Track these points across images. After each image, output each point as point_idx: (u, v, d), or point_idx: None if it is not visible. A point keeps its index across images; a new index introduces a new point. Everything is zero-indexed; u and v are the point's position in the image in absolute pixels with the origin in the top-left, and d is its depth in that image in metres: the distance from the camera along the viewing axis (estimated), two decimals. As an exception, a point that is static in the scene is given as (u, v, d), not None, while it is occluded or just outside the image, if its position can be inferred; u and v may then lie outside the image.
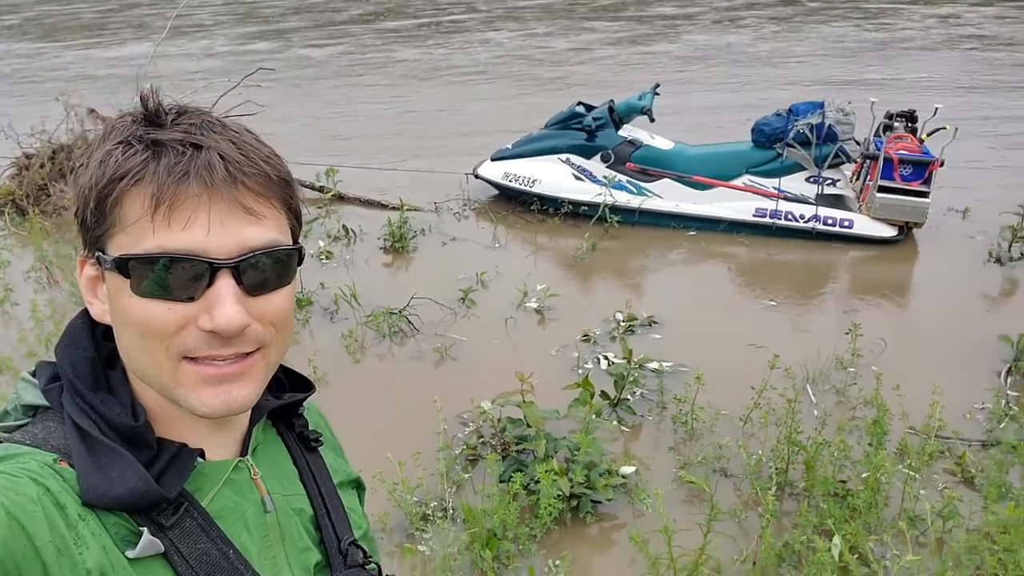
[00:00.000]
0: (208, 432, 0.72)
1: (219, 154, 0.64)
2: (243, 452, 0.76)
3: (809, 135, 5.38)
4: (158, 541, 0.64)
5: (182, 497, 0.67)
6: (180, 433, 0.71)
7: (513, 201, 5.99)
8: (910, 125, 5.80)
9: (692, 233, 5.47)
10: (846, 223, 5.32)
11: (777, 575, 2.61)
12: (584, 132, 5.76)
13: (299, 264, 0.71)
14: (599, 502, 2.89)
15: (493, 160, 6.06)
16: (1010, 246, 5.05)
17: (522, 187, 5.83)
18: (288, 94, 9.76)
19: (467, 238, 5.51)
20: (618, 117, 5.77)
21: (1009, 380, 3.71)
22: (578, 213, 5.65)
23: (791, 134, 5.41)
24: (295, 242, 0.72)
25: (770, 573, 2.61)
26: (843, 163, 5.54)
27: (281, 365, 0.79)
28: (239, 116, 0.75)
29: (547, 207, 5.76)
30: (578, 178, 5.73)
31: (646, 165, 5.64)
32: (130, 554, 0.62)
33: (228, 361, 0.66)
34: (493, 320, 4.32)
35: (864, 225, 5.31)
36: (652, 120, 5.70)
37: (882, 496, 2.78)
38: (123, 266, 0.63)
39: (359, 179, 6.37)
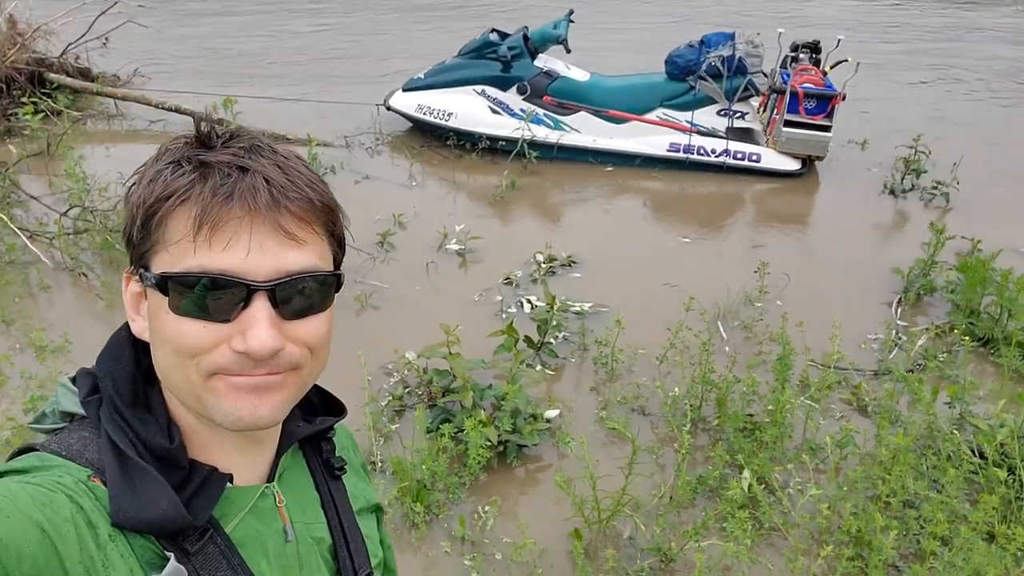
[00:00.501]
0: (238, 455, 0.73)
1: (264, 178, 0.65)
2: (270, 476, 0.77)
3: (720, 68, 5.43)
4: (183, 569, 0.65)
5: (208, 523, 0.68)
6: (211, 455, 0.71)
7: (428, 135, 5.82)
8: (814, 56, 5.95)
9: (609, 169, 5.50)
10: (754, 157, 5.48)
11: (692, 508, 2.79)
12: (499, 62, 5.60)
13: (337, 290, 0.71)
14: (525, 446, 2.98)
15: (405, 91, 5.83)
16: (903, 178, 5.35)
17: (437, 121, 5.65)
18: (175, 15, 8.98)
19: (382, 176, 5.34)
20: (533, 46, 5.64)
21: (899, 311, 4.00)
22: (496, 148, 5.56)
23: (703, 66, 5.45)
24: (336, 268, 0.72)
25: (686, 506, 2.78)
26: (752, 96, 5.64)
27: (315, 386, 0.80)
28: (286, 142, 0.72)
29: (464, 142, 5.63)
30: (495, 111, 5.61)
31: (563, 98, 5.57)
32: None
33: (261, 374, 0.66)
34: (414, 264, 4.25)
35: (771, 159, 5.48)
36: (568, 51, 5.60)
37: (786, 428, 2.98)
38: (163, 284, 0.64)
39: (259, 111, 5.99)
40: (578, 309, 3.73)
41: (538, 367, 3.43)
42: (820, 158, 5.56)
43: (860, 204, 5.24)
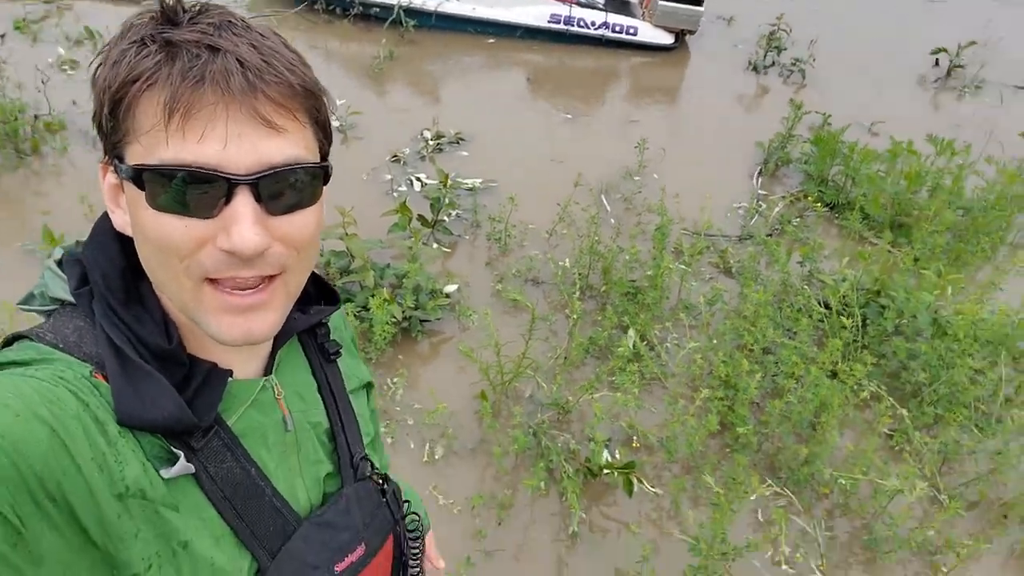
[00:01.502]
0: (236, 350, 0.71)
1: (237, 59, 0.59)
2: (268, 368, 0.76)
3: (599, -64, 5.35)
4: (191, 465, 0.65)
5: (212, 420, 0.68)
6: (209, 349, 0.70)
7: (293, -3, 5.37)
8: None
9: (491, 41, 5.37)
10: (631, 30, 5.54)
11: (584, 366, 3.04)
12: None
13: (325, 183, 0.67)
14: (428, 321, 3.08)
15: (264, -53, 5.29)
16: (765, 55, 5.64)
17: (303, -18, 5.23)
18: None
19: (246, 43, 4.91)
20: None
21: (759, 181, 4.36)
22: (369, 15, 5.25)
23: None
24: (323, 159, 0.68)
25: (578, 365, 3.03)
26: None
27: (312, 274, 0.77)
28: (265, 16, 0.67)
29: (333, 7, 5.26)
30: (366, -26, 5.25)
31: (440, -38, 5.29)
32: (164, 474, 0.63)
33: (250, 291, 0.64)
34: (293, 141, 4.05)
35: (647, 33, 5.57)
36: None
37: (664, 291, 3.26)
38: (138, 177, 0.59)
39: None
40: (469, 185, 3.76)
41: (434, 245, 3.48)
42: (692, 32, 5.72)
43: (726, 79, 5.50)
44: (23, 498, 0.53)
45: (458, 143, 4.23)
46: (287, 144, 0.61)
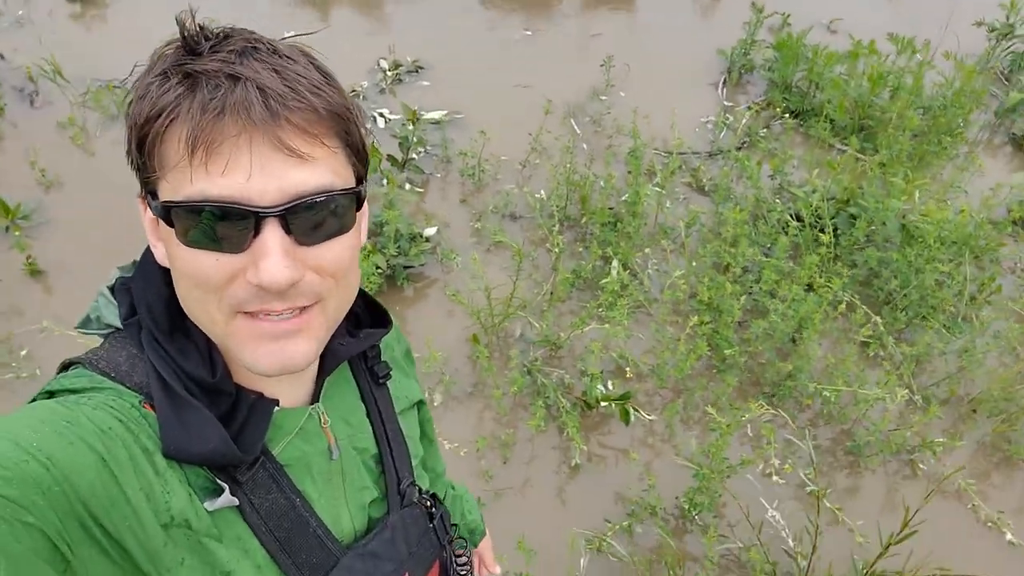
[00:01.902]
0: (281, 379, 0.71)
1: (258, 86, 0.57)
2: (315, 395, 0.76)
3: None
4: (235, 499, 0.66)
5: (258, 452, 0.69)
6: (255, 378, 0.70)
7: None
8: None
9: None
10: (583, -66, 5.28)
11: (570, 300, 3.09)
12: None
13: (359, 208, 0.66)
14: (411, 267, 3.06)
15: None
16: (720, -48, 5.46)
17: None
18: None
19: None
20: None
21: (724, 91, 4.33)
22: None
23: None
24: (359, 182, 0.66)
25: (564, 299, 3.07)
26: None
27: (361, 292, 0.76)
28: (301, 36, 0.65)
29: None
30: None
31: None
32: (208, 506, 0.64)
33: (283, 316, 0.62)
34: (244, 83, 3.85)
35: (599, -65, 5.32)
36: None
37: (643, 217, 3.28)
38: (166, 214, 0.60)
39: None
40: (436, 118, 3.65)
41: (406, 186, 3.41)
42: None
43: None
44: (72, 524, 0.54)
45: (417, 72, 4.07)
46: (315, 172, 0.60)
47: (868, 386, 2.63)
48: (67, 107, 3.58)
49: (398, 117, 3.60)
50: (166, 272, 0.67)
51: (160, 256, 0.67)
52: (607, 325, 2.77)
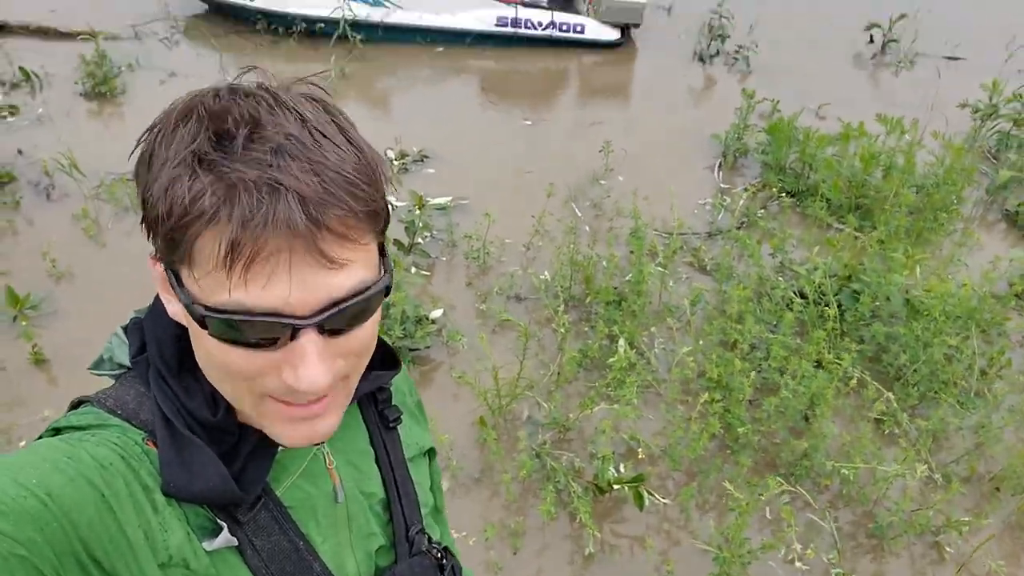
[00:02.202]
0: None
1: (299, 195, 0.55)
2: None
3: (539, -65, 5.34)
4: (234, 538, 0.65)
5: (258, 492, 0.68)
6: None
7: (231, 19, 5.22)
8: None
9: (440, 49, 5.33)
10: (579, 28, 5.56)
11: (577, 380, 3.06)
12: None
13: (387, 295, 0.65)
14: (417, 349, 3.05)
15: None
16: (709, 44, 5.73)
17: (239, 0, 5.08)
18: None
19: (188, 72, 4.77)
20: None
21: (720, 174, 4.44)
22: (314, 32, 5.14)
23: (522, -66, 5.32)
24: (381, 251, 0.64)
25: (571, 380, 3.04)
26: (570, -35, 5.65)
27: None
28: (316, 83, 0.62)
29: (275, 26, 5.14)
30: (306, -11, 5.14)
31: (381, -27, 5.21)
32: (207, 546, 0.63)
33: (312, 403, 0.64)
34: (253, 173, 3.95)
35: (594, 29, 5.60)
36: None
37: (647, 296, 3.30)
38: (198, 317, 0.58)
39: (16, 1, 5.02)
40: (441, 204, 3.73)
41: (412, 269, 3.45)
42: (636, 25, 5.77)
43: (675, 71, 5.57)
44: (69, 561, 0.54)
45: (423, 161, 4.19)
46: (351, 275, 0.59)
47: (886, 463, 2.57)
48: (81, 200, 3.66)
49: (404, 204, 3.68)
50: None
51: (174, 312, 0.65)
52: (616, 405, 2.73)
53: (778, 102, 4.72)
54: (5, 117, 4.17)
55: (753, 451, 2.75)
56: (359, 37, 5.05)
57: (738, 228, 3.90)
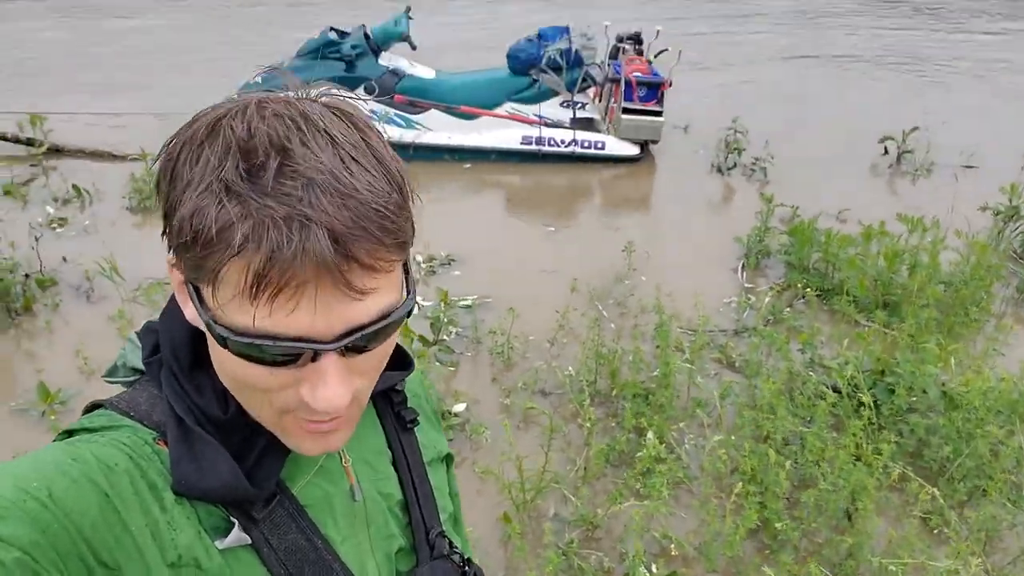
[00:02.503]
0: None
1: (329, 232, 0.54)
2: None
3: (560, 60, 5.70)
4: (246, 536, 0.64)
5: (275, 488, 0.67)
6: None
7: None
8: (637, 47, 6.42)
9: (467, 166, 5.59)
10: (600, 145, 5.82)
11: (604, 476, 2.96)
12: (342, 62, 5.50)
13: (408, 316, 0.64)
14: (440, 444, 3.00)
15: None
16: (726, 158, 5.94)
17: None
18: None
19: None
20: (376, 44, 5.59)
21: (744, 275, 4.47)
22: (348, 151, 5.45)
23: (543, 60, 5.70)
24: (406, 271, 0.64)
25: (599, 474, 2.95)
26: (590, 86, 5.98)
27: None
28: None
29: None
30: (343, 113, 5.50)
31: (412, 96, 5.57)
32: (219, 544, 0.62)
33: (331, 419, 0.64)
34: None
35: (614, 146, 5.86)
36: (413, 47, 5.61)
37: (675, 390, 3.24)
38: (219, 337, 0.58)
39: (72, 127, 5.43)
40: (467, 303, 3.79)
41: (436, 364, 3.45)
42: (655, 142, 6.02)
43: (694, 182, 5.75)
44: (74, 564, 0.53)
45: (449, 264, 4.30)
46: (375, 302, 0.59)
47: (937, 560, 2.40)
48: (119, 302, 3.79)
49: (431, 303, 3.75)
50: None
51: (191, 316, 0.64)
52: (646, 501, 2.62)
53: (797, 208, 4.81)
54: (54, 228, 4.41)
55: (794, 549, 2.59)
56: (391, 154, 5.34)
57: (765, 326, 3.87)
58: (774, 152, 5.83)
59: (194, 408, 0.65)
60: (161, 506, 0.60)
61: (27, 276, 3.77)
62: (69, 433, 0.64)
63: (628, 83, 5.73)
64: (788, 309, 4.04)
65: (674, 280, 4.13)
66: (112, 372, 0.72)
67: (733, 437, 3.01)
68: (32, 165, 5.10)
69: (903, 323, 3.66)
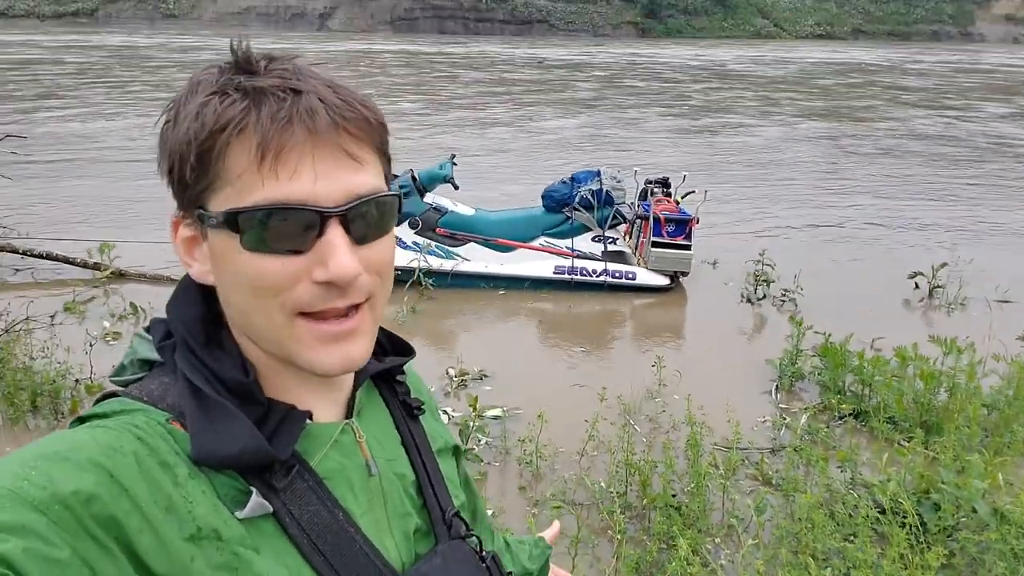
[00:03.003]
0: (314, 394, 0.71)
1: (319, 98, 0.63)
2: (348, 414, 0.75)
3: (592, 200, 6.05)
4: (267, 503, 0.63)
5: (293, 459, 0.66)
6: (287, 394, 0.70)
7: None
8: (665, 190, 6.78)
9: (502, 292, 5.80)
10: (631, 275, 6.01)
11: (636, 589, 2.82)
12: (389, 199, 5.90)
13: (398, 212, 0.70)
14: (465, 550, 2.92)
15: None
16: (756, 289, 6.05)
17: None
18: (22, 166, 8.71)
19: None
20: (421, 185, 6.02)
21: (778, 396, 4.42)
22: (394, 279, 5.72)
23: (576, 199, 6.04)
24: (387, 181, 0.71)
25: (630, 587, 2.81)
26: (620, 223, 6.28)
27: (380, 328, 0.77)
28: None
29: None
30: (388, 244, 5.83)
31: (453, 230, 5.91)
32: (239, 514, 0.62)
33: (342, 318, 0.66)
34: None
35: (644, 276, 6.04)
36: (456, 187, 6.02)
37: (708, 504, 3.14)
38: (232, 221, 0.62)
39: (142, 255, 5.85)
40: (498, 413, 3.81)
41: (465, 472, 3.42)
42: (685, 274, 6.19)
43: (725, 312, 5.83)
44: (87, 544, 0.53)
45: (481, 379, 4.36)
46: (368, 176, 0.65)
47: None
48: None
49: (461, 414, 3.78)
50: (201, 290, 0.70)
51: (197, 273, 0.69)
52: (680, 613, 2.49)
53: (830, 335, 4.81)
54: (108, 341, 4.64)
55: (842, 669, 2.39)
56: (430, 282, 5.59)
57: (800, 444, 3.77)
58: (803, 284, 5.93)
59: (212, 378, 0.66)
60: (174, 481, 0.60)
61: (77, 381, 3.94)
62: (81, 420, 0.64)
63: (657, 219, 6.00)
64: (824, 429, 3.95)
65: (706, 398, 4.10)
66: (120, 371, 0.72)
67: (771, 551, 2.87)
68: (94, 286, 5.45)
69: (943, 440, 3.55)
